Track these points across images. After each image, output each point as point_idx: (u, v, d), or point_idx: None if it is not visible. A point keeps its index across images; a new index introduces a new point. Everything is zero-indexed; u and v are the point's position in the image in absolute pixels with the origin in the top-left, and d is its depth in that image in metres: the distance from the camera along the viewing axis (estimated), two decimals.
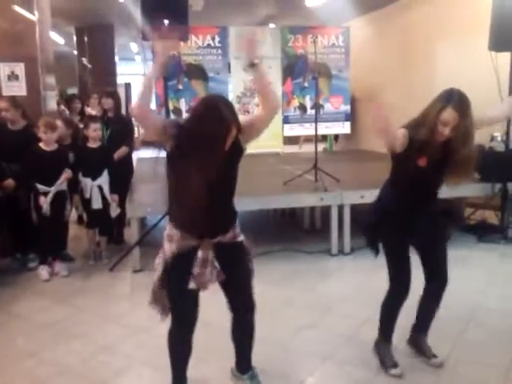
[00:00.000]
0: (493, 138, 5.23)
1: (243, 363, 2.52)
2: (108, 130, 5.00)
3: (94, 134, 4.52)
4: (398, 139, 2.46)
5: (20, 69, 4.99)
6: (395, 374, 2.68)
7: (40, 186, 4.14)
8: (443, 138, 2.44)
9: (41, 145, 4.22)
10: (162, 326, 3.30)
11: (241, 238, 2.33)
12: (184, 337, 2.33)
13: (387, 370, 2.71)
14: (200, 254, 2.18)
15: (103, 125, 4.84)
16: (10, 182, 4.25)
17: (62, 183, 4.23)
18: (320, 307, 3.62)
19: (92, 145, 4.55)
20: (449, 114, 2.37)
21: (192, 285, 2.19)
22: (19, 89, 5.01)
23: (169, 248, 2.20)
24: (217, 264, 2.23)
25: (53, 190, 4.17)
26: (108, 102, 5.12)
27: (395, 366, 2.71)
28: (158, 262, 2.24)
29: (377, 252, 2.79)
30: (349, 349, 3.01)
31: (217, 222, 2.21)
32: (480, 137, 5.00)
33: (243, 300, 2.37)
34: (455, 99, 2.38)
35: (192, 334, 2.33)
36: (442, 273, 2.73)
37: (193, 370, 2.49)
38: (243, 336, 2.45)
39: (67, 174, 4.26)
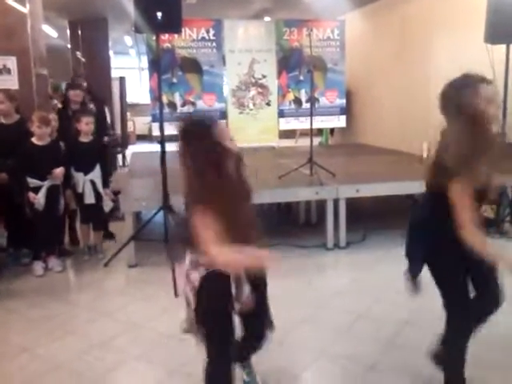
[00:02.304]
0: None
1: (240, 354, 2.38)
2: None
3: (86, 128, 4.46)
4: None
5: (12, 62, 4.94)
6: None
7: (32, 181, 4.10)
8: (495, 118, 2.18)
9: (33, 140, 4.17)
10: (157, 321, 3.30)
11: None
12: (228, 366, 2.08)
13: None
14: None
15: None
16: (2, 177, 4.21)
17: (55, 179, 4.20)
18: (315, 301, 3.61)
19: (84, 139, 4.50)
20: (489, 89, 2.09)
21: (237, 306, 2.03)
22: (11, 82, 4.96)
23: (197, 275, 2.00)
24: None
25: (46, 184, 4.13)
26: (77, 94, 5.04)
27: None
28: (189, 296, 2.04)
29: None
30: (343, 343, 3.00)
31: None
32: None
33: (259, 327, 2.24)
34: (479, 75, 2.11)
35: (233, 363, 2.16)
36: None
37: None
38: (249, 350, 2.37)
39: (59, 170, 4.22)
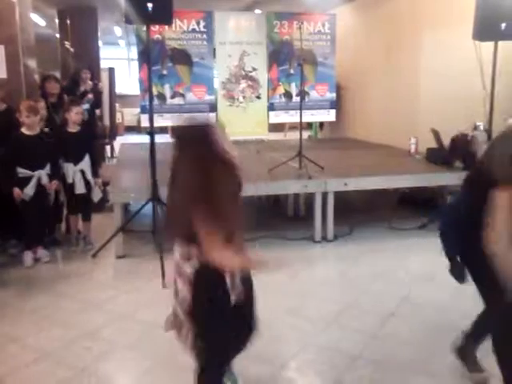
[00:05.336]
0: (476, 127, 5.27)
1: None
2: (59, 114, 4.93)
3: (76, 118, 4.45)
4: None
5: (0, 50, 4.88)
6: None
7: (22, 171, 4.08)
8: None
9: (23, 130, 4.13)
10: (144, 312, 3.32)
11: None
12: (221, 376, 2.17)
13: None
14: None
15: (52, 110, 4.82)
16: None
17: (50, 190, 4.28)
18: (302, 293, 3.65)
19: (72, 129, 4.48)
20: None
21: (232, 298, 2.02)
22: None
23: (189, 267, 1.99)
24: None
25: (36, 174, 4.11)
26: (54, 86, 5.09)
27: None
28: (182, 288, 2.01)
29: None
30: (328, 334, 3.05)
31: None
32: (464, 126, 5.10)
33: (246, 325, 2.21)
34: None
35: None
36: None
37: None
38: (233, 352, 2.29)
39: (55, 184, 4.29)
